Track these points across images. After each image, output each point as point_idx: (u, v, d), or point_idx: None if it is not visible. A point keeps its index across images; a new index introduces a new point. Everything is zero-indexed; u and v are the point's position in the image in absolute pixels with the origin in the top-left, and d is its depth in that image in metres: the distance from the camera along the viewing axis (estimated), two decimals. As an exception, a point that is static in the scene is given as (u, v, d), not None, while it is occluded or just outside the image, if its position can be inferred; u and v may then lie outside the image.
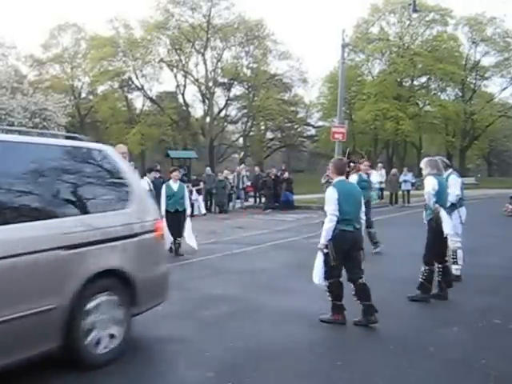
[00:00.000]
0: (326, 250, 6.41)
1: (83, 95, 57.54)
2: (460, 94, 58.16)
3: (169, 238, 10.90)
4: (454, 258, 8.84)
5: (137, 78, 53.30)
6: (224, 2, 51.01)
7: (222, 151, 58.29)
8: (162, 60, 52.62)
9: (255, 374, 5.01)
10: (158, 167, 22.99)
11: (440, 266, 7.77)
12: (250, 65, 55.31)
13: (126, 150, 8.60)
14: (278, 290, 8.30)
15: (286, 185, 24.70)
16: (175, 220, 11.45)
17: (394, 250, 11.87)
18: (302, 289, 8.21)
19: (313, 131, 62.69)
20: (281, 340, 5.90)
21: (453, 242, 8.64)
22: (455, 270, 8.85)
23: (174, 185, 11.82)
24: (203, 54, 52.69)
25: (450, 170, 9.09)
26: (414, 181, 30.58)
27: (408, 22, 54.04)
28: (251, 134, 59.27)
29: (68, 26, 53.53)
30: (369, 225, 11.26)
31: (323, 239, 6.43)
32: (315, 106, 60.17)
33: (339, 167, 6.87)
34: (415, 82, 57.85)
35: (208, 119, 54.21)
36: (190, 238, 11.77)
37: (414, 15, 44.92)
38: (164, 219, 10.67)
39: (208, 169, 25.53)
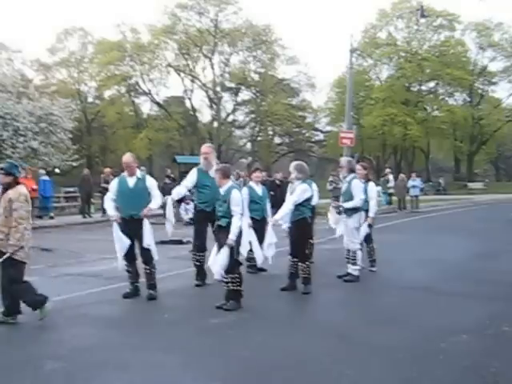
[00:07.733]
0: None
1: (90, 100, 57.60)
2: (468, 99, 58.12)
3: (259, 255, 8.23)
4: (353, 259, 9.00)
5: (144, 82, 53.57)
6: (232, 6, 51.37)
7: (230, 156, 58.26)
8: (169, 64, 52.77)
9: None
10: (169, 172, 22.96)
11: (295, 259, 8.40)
12: (258, 69, 55.46)
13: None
14: (285, 298, 8.19)
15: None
16: (262, 229, 8.98)
17: (401, 256, 11.72)
18: (309, 297, 8.16)
19: (321, 136, 62.60)
20: (288, 349, 5.78)
21: (353, 244, 8.99)
22: (353, 270, 9.01)
23: (258, 188, 9.88)
24: (211, 59, 52.90)
25: (353, 175, 9.23)
26: (422, 186, 30.45)
27: (416, 27, 54.09)
28: (259, 138, 59.21)
29: (75, 30, 53.63)
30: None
31: None
32: (323, 111, 60.22)
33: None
34: (423, 87, 57.75)
35: (215, 124, 54.31)
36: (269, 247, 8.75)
37: (422, 20, 44.92)
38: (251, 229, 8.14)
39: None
